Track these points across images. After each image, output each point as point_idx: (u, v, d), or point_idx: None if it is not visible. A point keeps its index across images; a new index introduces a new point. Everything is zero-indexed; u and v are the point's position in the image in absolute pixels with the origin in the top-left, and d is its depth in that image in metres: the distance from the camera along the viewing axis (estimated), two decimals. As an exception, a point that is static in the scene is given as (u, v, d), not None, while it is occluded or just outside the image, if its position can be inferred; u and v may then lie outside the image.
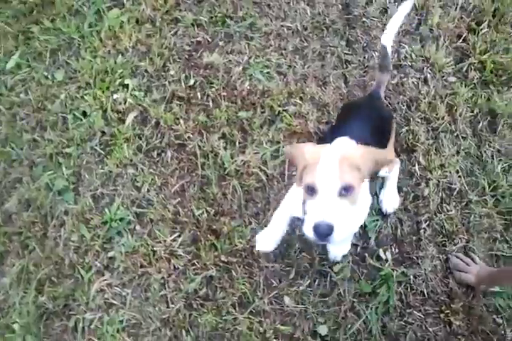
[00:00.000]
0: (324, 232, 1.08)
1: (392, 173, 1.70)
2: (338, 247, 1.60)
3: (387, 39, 1.64)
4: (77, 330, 1.63)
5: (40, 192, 1.82)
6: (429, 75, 1.96)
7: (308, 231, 1.11)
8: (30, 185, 1.84)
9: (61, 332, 1.64)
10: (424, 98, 1.91)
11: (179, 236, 1.72)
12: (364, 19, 2.05)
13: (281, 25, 2.04)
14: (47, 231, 1.77)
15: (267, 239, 1.55)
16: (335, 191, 1.10)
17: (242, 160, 1.82)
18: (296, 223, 1.56)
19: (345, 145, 1.21)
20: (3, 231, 1.78)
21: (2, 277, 1.72)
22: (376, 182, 1.75)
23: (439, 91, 1.93)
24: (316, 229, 1.09)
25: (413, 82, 1.95)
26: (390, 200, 1.73)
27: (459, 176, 1.81)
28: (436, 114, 1.89)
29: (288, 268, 1.66)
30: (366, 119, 1.51)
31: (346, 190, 1.11)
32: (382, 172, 1.63)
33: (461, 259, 1.67)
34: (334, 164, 1.11)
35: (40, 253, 1.73)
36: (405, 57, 1.99)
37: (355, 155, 1.14)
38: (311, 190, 1.13)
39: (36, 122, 1.96)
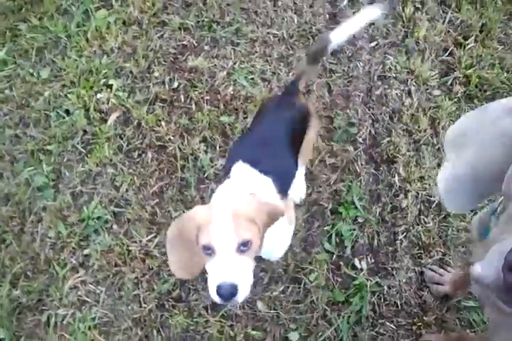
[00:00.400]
0: (228, 293, 1.11)
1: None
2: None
3: (336, 36, 1.60)
4: (49, 325, 1.78)
5: (19, 187, 1.98)
6: (413, 87, 2.15)
7: (213, 293, 1.14)
8: (11, 180, 2.01)
9: (33, 326, 1.79)
10: (407, 110, 2.09)
11: (155, 236, 1.88)
12: None
13: (268, 33, 2.24)
14: (24, 227, 1.93)
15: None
16: (233, 248, 1.14)
17: (222, 165, 1.97)
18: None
19: (235, 200, 1.25)
20: (-19, 225, 1.93)
21: (-23, 270, 1.87)
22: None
23: (423, 103, 2.12)
24: (220, 290, 1.11)
25: (397, 94, 2.14)
26: (298, 191, 1.87)
27: (439, 189, 1.95)
28: (419, 127, 2.06)
29: (262, 274, 1.81)
30: (276, 119, 1.53)
31: (244, 246, 1.15)
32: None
33: (435, 271, 1.83)
34: (228, 221, 1.14)
35: (17, 248, 1.89)
36: (390, 68, 2.18)
37: (248, 209, 1.18)
38: (207, 250, 1.16)
39: (19, 118, 2.13)
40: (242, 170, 1.42)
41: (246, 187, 1.36)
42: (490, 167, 0.94)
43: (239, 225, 1.15)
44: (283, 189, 1.47)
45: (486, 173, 0.95)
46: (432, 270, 1.83)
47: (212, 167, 1.98)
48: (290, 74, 2.14)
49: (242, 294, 1.14)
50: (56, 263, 1.85)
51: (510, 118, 0.94)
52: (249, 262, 1.18)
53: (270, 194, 1.41)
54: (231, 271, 1.13)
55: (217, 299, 1.14)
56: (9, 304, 1.80)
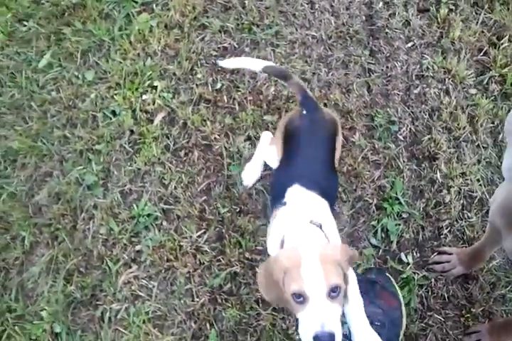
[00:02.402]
0: None
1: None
2: None
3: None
4: (103, 320, 1.78)
5: (70, 186, 1.99)
6: (450, 86, 2.14)
7: None
8: (61, 179, 2.01)
9: (88, 321, 1.79)
10: (446, 108, 2.09)
11: (205, 232, 1.88)
12: (387, 30, 2.24)
13: (306, 34, 2.24)
14: (76, 224, 1.93)
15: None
16: (324, 294, 1.08)
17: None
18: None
19: (319, 242, 1.22)
20: (34, 223, 1.94)
21: (32, 266, 1.87)
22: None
23: (461, 102, 2.11)
24: (318, 339, 1.06)
25: (435, 93, 2.13)
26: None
27: (480, 184, 1.96)
28: (458, 124, 2.06)
29: None
30: (313, 147, 1.52)
31: (334, 291, 1.09)
32: None
33: (440, 262, 1.80)
34: (317, 265, 1.09)
35: (70, 245, 1.89)
36: (427, 68, 2.17)
37: (334, 252, 1.14)
38: (298, 298, 1.10)
39: (67, 119, 2.13)
40: (298, 194, 1.39)
41: (306, 212, 1.33)
42: None
43: (328, 270, 1.09)
44: (332, 206, 1.46)
45: None
46: (437, 262, 1.81)
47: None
48: (330, 74, 2.14)
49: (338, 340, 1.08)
50: (109, 259, 1.85)
51: None
52: (339, 309, 1.12)
53: (327, 216, 1.39)
54: (327, 319, 1.07)
55: None
56: (64, 299, 1.81)
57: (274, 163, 1.61)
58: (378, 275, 1.70)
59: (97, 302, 1.80)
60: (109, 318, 1.78)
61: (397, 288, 1.70)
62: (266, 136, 1.84)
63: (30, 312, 1.80)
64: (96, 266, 1.86)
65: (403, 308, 1.66)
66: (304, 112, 1.62)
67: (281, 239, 1.31)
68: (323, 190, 1.42)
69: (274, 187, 1.60)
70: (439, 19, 2.25)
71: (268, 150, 1.74)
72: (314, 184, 1.41)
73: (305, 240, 1.23)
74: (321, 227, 1.31)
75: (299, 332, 1.13)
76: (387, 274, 1.72)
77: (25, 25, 2.36)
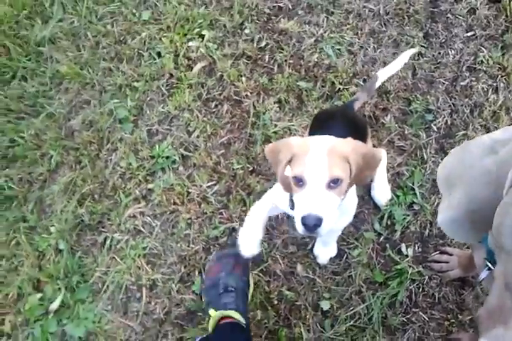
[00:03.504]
0: (312, 224, 0.94)
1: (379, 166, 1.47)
2: (325, 250, 1.44)
3: (383, 73, 1.51)
4: (104, 246, 1.55)
5: (103, 116, 1.72)
6: (501, 84, 1.69)
7: (297, 223, 0.97)
8: (96, 109, 1.75)
9: (90, 244, 1.57)
10: (490, 106, 1.65)
11: (215, 184, 1.60)
12: (449, 15, 1.78)
13: (364, 6, 1.81)
14: (100, 153, 1.68)
15: (249, 242, 1.27)
16: (323, 183, 0.96)
17: (288, 127, 1.63)
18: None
19: (334, 139, 1.04)
20: (63, 144, 1.70)
21: (53, 184, 1.65)
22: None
23: (507, 102, 1.66)
24: (305, 220, 0.95)
25: (483, 88, 1.69)
26: (382, 193, 1.53)
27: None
28: (498, 125, 1.63)
29: (307, 240, 1.51)
30: (342, 127, 1.31)
31: (335, 182, 0.96)
32: None
33: (440, 261, 1.47)
34: (323, 155, 0.96)
35: (90, 171, 1.65)
36: (481, 61, 1.72)
37: (345, 147, 0.99)
38: (298, 181, 0.98)
39: (115, 53, 1.83)
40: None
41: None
42: (482, 207, 0.71)
43: (333, 161, 0.96)
44: None
45: (480, 213, 0.72)
46: (436, 261, 1.47)
47: (275, 126, 1.64)
48: (378, 51, 1.72)
49: (326, 227, 0.95)
50: (122, 191, 1.61)
51: (491, 158, 0.74)
52: (336, 199, 0.98)
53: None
54: (318, 204, 0.95)
55: (301, 229, 0.97)
56: (73, 220, 1.59)
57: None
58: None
59: (102, 229, 1.58)
60: (109, 246, 1.55)
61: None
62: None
63: (41, 226, 1.59)
64: (109, 195, 1.62)
65: (251, 281, 1.41)
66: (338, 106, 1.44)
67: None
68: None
69: None
70: (508, 12, 1.75)
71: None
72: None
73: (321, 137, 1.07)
74: None
75: (294, 212, 1.02)
76: None
77: (98, -44, 2.03)
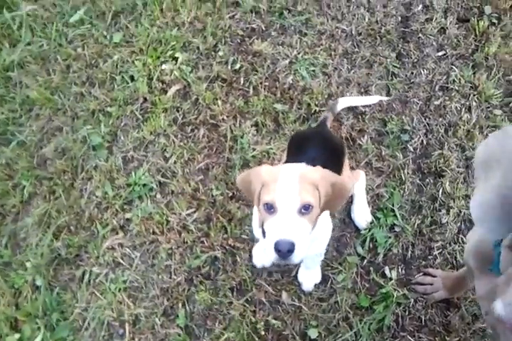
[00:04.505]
0: (286, 249, 0.90)
1: (357, 187, 1.47)
2: (309, 277, 1.37)
3: (344, 102, 1.51)
4: (82, 281, 1.44)
5: (76, 143, 1.61)
6: (474, 103, 1.64)
7: (270, 251, 0.92)
8: (69, 136, 1.64)
9: (68, 279, 1.46)
10: (464, 125, 1.60)
11: (194, 212, 1.50)
12: (420, 35, 1.74)
13: (336, 27, 1.75)
14: (74, 182, 1.57)
15: (262, 254, 1.35)
16: (294, 209, 0.92)
17: (266, 151, 1.54)
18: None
19: (303, 166, 1.00)
20: (36, 174, 1.58)
21: (26, 216, 1.52)
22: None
23: (481, 121, 1.62)
24: (277, 246, 0.90)
25: (456, 107, 1.64)
26: (362, 215, 1.47)
27: (482, 211, 1.48)
28: (473, 144, 1.58)
29: (291, 267, 1.42)
30: (318, 148, 1.27)
31: (306, 209, 0.93)
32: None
33: (423, 283, 1.40)
34: (293, 182, 0.93)
35: (65, 202, 1.54)
36: (454, 80, 1.67)
37: (314, 175, 0.96)
38: (269, 208, 0.94)
39: (87, 77, 1.73)
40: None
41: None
42: None
43: (303, 188, 0.93)
44: None
45: None
46: (420, 283, 1.40)
47: (254, 150, 1.55)
48: (352, 71, 1.65)
49: (299, 254, 0.91)
50: (99, 222, 1.50)
51: None
52: (307, 225, 0.95)
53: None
54: (290, 230, 0.92)
55: (273, 256, 0.92)
56: (49, 254, 1.47)
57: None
58: None
59: (80, 263, 1.47)
60: (88, 280, 1.44)
61: None
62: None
63: (16, 261, 1.47)
64: (85, 226, 1.50)
65: None
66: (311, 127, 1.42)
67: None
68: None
69: None
70: (477, 31, 1.73)
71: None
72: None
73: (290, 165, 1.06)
74: None
75: (265, 241, 0.98)
76: None
77: (65, -22, 1.88)
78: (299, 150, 1.27)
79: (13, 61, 1.77)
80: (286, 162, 1.25)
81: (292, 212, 0.92)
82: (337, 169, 1.22)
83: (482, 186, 0.74)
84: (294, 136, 1.46)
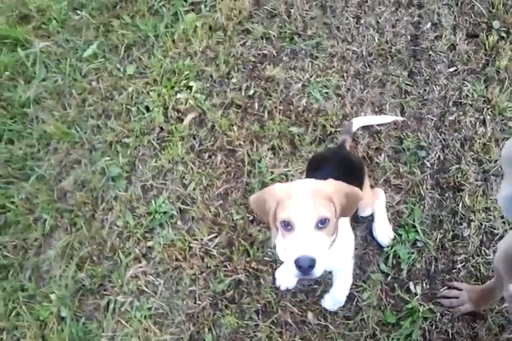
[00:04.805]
0: (306, 265, 1.07)
1: (378, 205, 1.72)
2: (334, 301, 1.60)
3: (359, 122, 1.85)
4: (108, 310, 1.70)
5: (95, 175, 1.92)
6: (488, 117, 1.93)
7: (291, 267, 1.10)
8: (88, 168, 1.95)
9: (93, 309, 1.72)
10: (480, 139, 1.88)
11: (216, 237, 1.78)
12: (430, 52, 2.05)
13: (347, 49, 2.08)
14: (95, 213, 1.87)
15: (286, 276, 1.61)
16: (311, 224, 1.09)
17: (284, 173, 1.85)
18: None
19: (315, 181, 1.20)
20: (56, 207, 1.89)
21: (49, 249, 1.83)
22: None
23: (496, 134, 1.90)
24: (298, 262, 1.07)
25: (471, 122, 1.93)
26: (383, 232, 1.72)
27: (503, 222, 1.76)
28: (490, 157, 1.85)
29: (316, 286, 1.67)
30: (337, 168, 1.50)
31: (322, 223, 1.10)
32: (365, 212, 1.68)
33: (449, 297, 1.63)
34: (308, 198, 1.10)
35: (86, 233, 1.83)
36: (467, 95, 1.97)
37: (327, 188, 1.14)
38: (286, 226, 1.11)
39: (102, 110, 2.07)
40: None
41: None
42: None
43: (318, 202, 1.10)
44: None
45: None
46: (446, 297, 1.63)
47: (272, 173, 1.85)
48: (365, 91, 1.98)
49: (320, 268, 1.09)
50: (121, 252, 1.78)
51: None
52: (325, 239, 1.13)
53: None
54: (309, 246, 1.09)
55: (294, 272, 1.10)
56: (73, 285, 1.74)
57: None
58: None
59: (104, 292, 1.73)
60: (113, 309, 1.70)
61: None
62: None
63: (40, 294, 1.75)
64: (108, 256, 1.79)
65: None
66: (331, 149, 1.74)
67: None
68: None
69: None
70: (487, 46, 2.04)
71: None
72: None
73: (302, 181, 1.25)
74: None
75: (286, 258, 1.16)
76: None
77: (78, 14, 2.31)
78: (318, 170, 1.51)
79: (28, 97, 2.13)
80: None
81: (309, 227, 1.09)
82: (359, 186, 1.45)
83: (509, 179, 0.89)
84: (313, 157, 1.74)
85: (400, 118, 1.91)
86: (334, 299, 1.59)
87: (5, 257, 1.82)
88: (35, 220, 1.88)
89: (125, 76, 2.12)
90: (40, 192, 1.92)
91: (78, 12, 2.31)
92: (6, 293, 1.75)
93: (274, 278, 1.68)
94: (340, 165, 1.54)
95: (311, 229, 1.10)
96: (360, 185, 1.52)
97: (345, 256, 1.41)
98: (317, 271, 1.09)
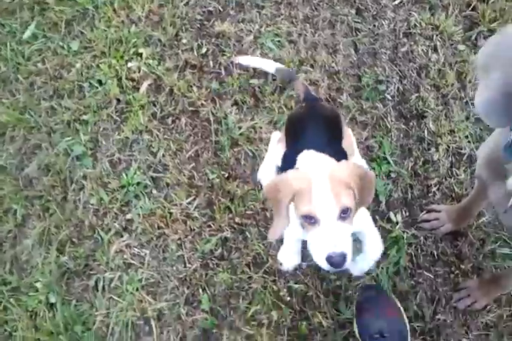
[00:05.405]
0: (339, 262, 1.04)
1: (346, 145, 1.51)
2: (367, 264, 1.48)
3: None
4: (97, 289, 1.62)
5: (59, 157, 1.80)
6: (438, 43, 1.91)
7: (323, 263, 1.07)
8: (50, 151, 1.83)
9: (82, 290, 1.63)
10: (434, 65, 1.87)
11: (194, 199, 1.70)
12: None
13: (292, -6, 1.99)
14: (67, 195, 1.76)
15: (289, 256, 1.52)
16: (335, 216, 1.04)
17: (252, 126, 1.78)
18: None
19: (328, 164, 1.14)
20: (24, 195, 1.76)
21: (25, 239, 1.72)
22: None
23: (449, 58, 1.88)
24: (330, 259, 1.04)
25: (423, 50, 1.90)
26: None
27: (469, 141, 1.76)
28: (446, 81, 1.84)
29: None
30: (317, 126, 1.41)
31: (345, 212, 1.05)
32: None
33: (429, 220, 1.64)
34: (327, 188, 1.03)
35: (61, 216, 1.72)
36: (415, 25, 1.93)
37: (343, 173, 1.07)
38: (310, 219, 1.06)
39: (53, 90, 1.93)
40: (310, 156, 1.26)
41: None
42: None
43: (338, 192, 1.03)
44: None
45: None
46: (426, 220, 1.64)
47: (240, 128, 1.78)
48: (316, 35, 1.91)
49: (349, 259, 1.06)
50: (100, 229, 1.68)
51: None
52: (349, 228, 1.08)
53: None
54: (339, 240, 1.05)
55: (327, 268, 1.07)
56: (57, 270, 1.64)
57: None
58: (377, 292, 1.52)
59: (91, 272, 1.64)
60: (103, 287, 1.62)
61: (397, 300, 1.51)
62: (275, 135, 1.65)
63: (25, 284, 1.64)
64: (88, 236, 1.69)
65: (406, 320, 1.48)
66: (304, 104, 1.55)
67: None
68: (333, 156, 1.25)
69: (284, 161, 1.42)
70: None
71: (276, 149, 1.53)
72: (324, 148, 1.26)
73: (315, 162, 1.19)
74: None
75: (311, 252, 1.11)
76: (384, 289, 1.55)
77: (7, -4, 2.15)
78: (297, 135, 1.42)
79: (-28, 89, 2.03)
80: (288, 147, 1.43)
81: (333, 220, 1.03)
82: (339, 137, 1.43)
83: (484, 85, 0.87)
84: (288, 121, 1.55)
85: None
86: (367, 262, 1.44)
87: (-20, 253, 1.70)
88: (5, 212, 1.75)
89: (70, 53, 1.97)
90: (5, 184, 1.79)
91: (8, -6, 2.14)
92: (-11, 289, 1.64)
93: (279, 263, 1.56)
94: (319, 125, 1.42)
95: (336, 222, 1.04)
96: (341, 133, 1.45)
97: (364, 216, 1.33)
98: (348, 263, 1.06)
